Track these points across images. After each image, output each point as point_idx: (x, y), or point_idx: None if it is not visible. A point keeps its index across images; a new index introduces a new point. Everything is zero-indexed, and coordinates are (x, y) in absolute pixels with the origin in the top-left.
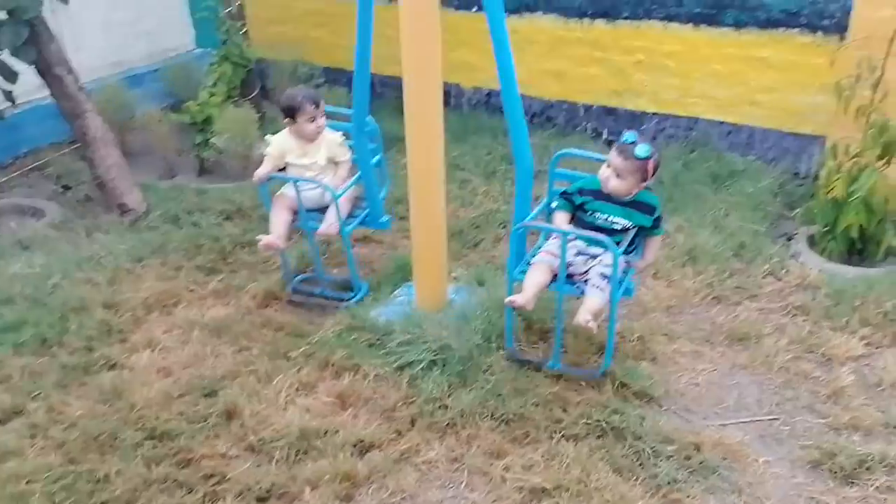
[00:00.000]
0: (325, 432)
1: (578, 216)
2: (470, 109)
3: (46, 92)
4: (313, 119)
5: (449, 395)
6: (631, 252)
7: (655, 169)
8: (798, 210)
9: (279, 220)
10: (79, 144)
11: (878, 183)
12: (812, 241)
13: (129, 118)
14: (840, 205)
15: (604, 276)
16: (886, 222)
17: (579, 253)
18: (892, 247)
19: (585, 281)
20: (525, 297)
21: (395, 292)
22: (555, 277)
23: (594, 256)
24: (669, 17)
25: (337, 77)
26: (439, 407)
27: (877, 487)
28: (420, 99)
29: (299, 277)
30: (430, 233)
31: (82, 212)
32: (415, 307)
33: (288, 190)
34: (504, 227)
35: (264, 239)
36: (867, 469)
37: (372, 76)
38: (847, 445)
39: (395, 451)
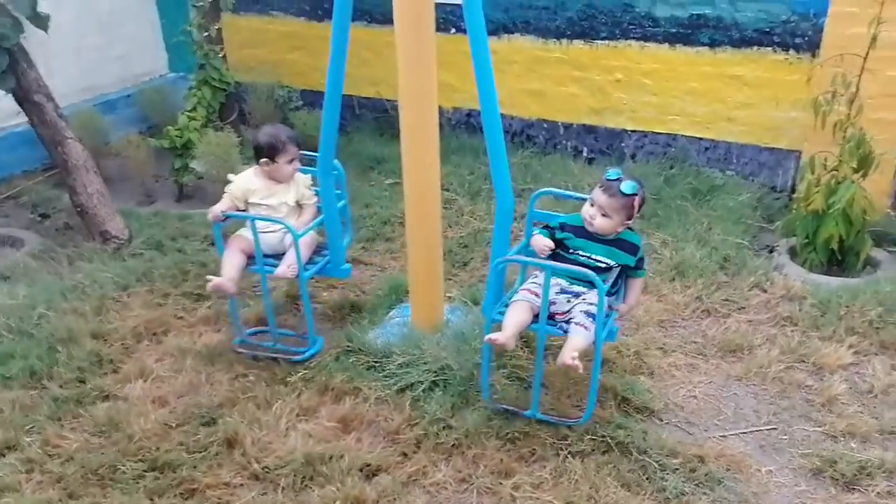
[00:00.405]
0: (330, 457)
1: (560, 254)
2: (451, 130)
3: (18, 119)
4: (292, 160)
5: (452, 416)
6: (613, 295)
7: (641, 205)
8: (778, 223)
9: (232, 262)
10: (54, 172)
11: (856, 195)
12: (793, 253)
13: (104, 144)
14: (820, 217)
15: (588, 315)
16: (864, 233)
17: (562, 291)
18: (870, 257)
19: (567, 321)
20: (506, 335)
21: (391, 313)
22: (535, 317)
23: (577, 295)
24: (646, 37)
25: (315, 99)
26: (444, 427)
27: (878, 493)
28: (416, 122)
29: (250, 331)
30: (427, 254)
31: (62, 240)
32: (412, 328)
33: (245, 232)
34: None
35: (214, 280)
36: (867, 475)
37: (350, 98)
38: (846, 452)
39: (402, 473)
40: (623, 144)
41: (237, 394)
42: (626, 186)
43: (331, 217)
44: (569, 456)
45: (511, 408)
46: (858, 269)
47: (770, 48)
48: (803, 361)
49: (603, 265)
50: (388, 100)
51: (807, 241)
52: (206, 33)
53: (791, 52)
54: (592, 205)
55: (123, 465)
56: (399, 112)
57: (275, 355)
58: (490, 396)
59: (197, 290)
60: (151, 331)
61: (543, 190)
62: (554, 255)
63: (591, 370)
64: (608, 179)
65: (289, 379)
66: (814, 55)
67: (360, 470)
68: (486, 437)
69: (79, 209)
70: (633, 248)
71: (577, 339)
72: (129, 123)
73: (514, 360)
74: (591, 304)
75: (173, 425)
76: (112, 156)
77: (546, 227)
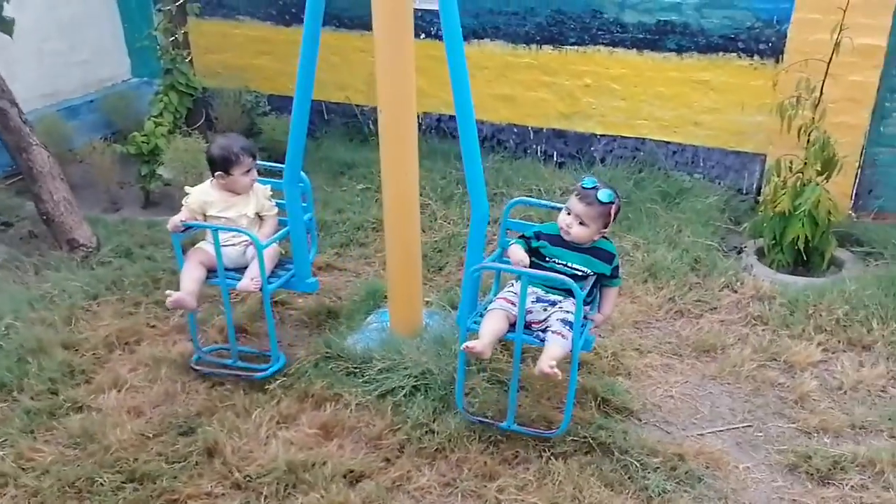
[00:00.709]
0: (313, 464)
1: (536, 262)
2: (421, 135)
3: None
4: (248, 171)
5: (435, 420)
6: (588, 304)
7: (617, 213)
8: (745, 225)
9: (191, 275)
10: (15, 179)
11: (821, 197)
12: (761, 254)
13: (67, 150)
14: (786, 218)
15: (565, 323)
16: (829, 234)
17: (538, 300)
18: (834, 257)
19: (544, 329)
20: (483, 343)
21: (368, 319)
22: (512, 326)
23: (553, 303)
24: (615, 43)
25: (283, 104)
26: (426, 432)
27: (852, 486)
28: (395, 128)
29: (209, 349)
30: (406, 259)
31: (27, 249)
32: (391, 333)
33: (204, 245)
34: (466, 249)
35: (173, 295)
36: (841, 469)
37: (319, 103)
38: (819, 448)
39: (386, 479)
40: (592, 148)
41: (215, 402)
42: (603, 195)
43: (296, 229)
44: (552, 457)
45: (486, 420)
46: (823, 268)
47: (735, 54)
48: (775, 360)
49: (579, 273)
50: (357, 105)
51: (774, 241)
52: (172, 38)
53: (755, 57)
54: (569, 213)
55: (101, 477)
56: (378, 118)
57: (235, 373)
58: (464, 408)
59: None
60: (123, 340)
61: (518, 199)
62: (530, 264)
63: (569, 379)
64: (584, 188)
65: (267, 387)
66: (777, 61)
67: (344, 476)
68: (468, 441)
69: (44, 217)
70: (608, 257)
71: (555, 348)
72: (92, 129)
73: (493, 364)
74: (568, 312)
75: (150, 435)
76: (75, 162)
77: (522, 236)
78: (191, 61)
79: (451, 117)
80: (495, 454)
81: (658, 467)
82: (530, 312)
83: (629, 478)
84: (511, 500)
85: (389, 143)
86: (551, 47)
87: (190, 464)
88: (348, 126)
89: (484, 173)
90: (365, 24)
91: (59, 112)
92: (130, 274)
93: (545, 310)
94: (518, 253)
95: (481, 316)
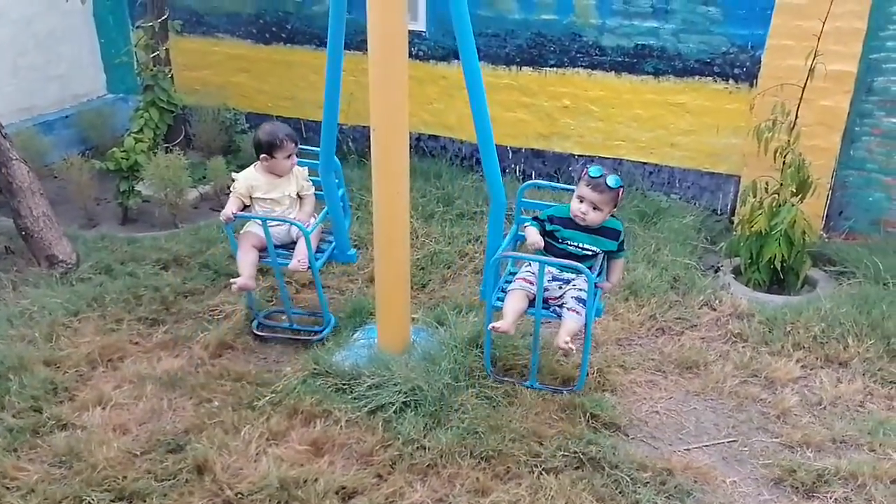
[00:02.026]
0: (305, 481)
1: (550, 244)
2: None
3: None
4: (290, 155)
5: (426, 436)
6: (598, 275)
7: (623, 194)
8: (721, 244)
9: (247, 260)
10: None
11: (796, 217)
12: (737, 273)
13: (42, 166)
14: (763, 238)
15: (579, 300)
16: (804, 253)
17: (553, 279)
18: (808, 276)
19: (560, 305)
20: (507, 322)
21: (355, 335)
22: (531, 303)
23: (568, 281)
24: (593, 66)
25: (261, 122)
26: (418, 448)
27: (836, 499)
28: (387, 148)
29: (263, 313)
30: (395, 276)
31: (4, 265)
32: (379, 350)
33: (253, 227)
34: (449, 267)
35: (238, 282)
36: (825, 482)
37: (297, 121)
38: (803, 462)
39: (379, 495)
40: (570, 169)
41: (203, 419)
42: (612, 180)
43: (334, 207)
44: (543, 472)
45: (511, 379)
46: (798, 287)
47: (711, 78)
48: (756, 376)
49: (590, 253)
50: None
51: (751, 261)
52: (154, 54)
53: (731, 81)
54: (581, 201)
55: (89, 496)
56: (371, 137)
57: (294, 336)
58: (491, 371)
59: (152, 314)
60: (106, 357)
61: (530, 182)
62: (545, 245)
63: (584, 345)
64: (593, 177)
65: (256, 403)
66: (752, 85)
67: (336, 493)
68: (460, 457)
69: (23, 233)
70: (615, 234)
71: (571, 323)
72: (68, 145)
73: (482, 381)
74: (581, 290)
75: (138, 453)
76: (50, 178)
77: (536, 218)
78: (172, 78)
79: (431, 136)
80: (487, 470)
81: (648, 482)
82: (547, 290)
83: (620, 492)
84: None
85: (381, 161)
86: (531, 69)
87: (180, 481)
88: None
89: (462, 192)
90: (345, 44)
91: (35, 127)
92: (111, 290)
93: (560, 287)
94: (534, 235)
95: (503, 292)
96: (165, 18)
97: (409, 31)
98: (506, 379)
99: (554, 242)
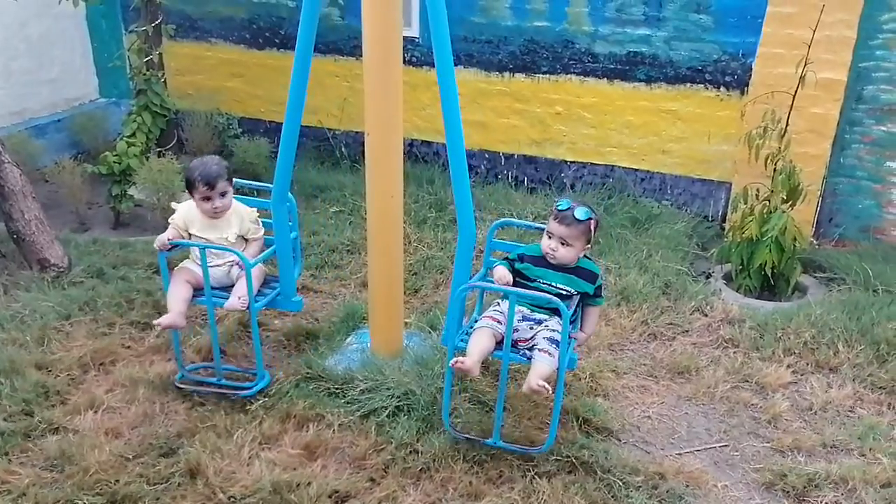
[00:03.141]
0: (298, 485)
1: (521, 283)
2: None
3: None
4: (207, 199)
5: (419, 440)
6: (571, 323)
7: (597, 227)
8: (712, 250)
9: (179, 295)
10: None
11: (787, 223)
12: (728, 279)
13: (34, 169)
14: (754, 244)
15: (552, 341)
16: (794, 260)
17: (524, 318)
18: (799, 282)
19: (530, 348)
20: (471, 360)
21: (348, 340)
22: (499, 345)
23: (539, 322)
24: (586, 73)
25: (254, 127)
26: (411, 452)
27: (826, 503)
28: (381, 153)
29: (192, 367)
30: (389, 281)
31: None
32: (372, 354)
33: (189, 264)
34: (441, 272)
35: (164, 320)
36: (816, 487)
37: None
38: (794, 466)
39: (372, 499)
40: (563, 175)
41: (195, 423)
42: (580, 213)
43: (283, 249)
44: (536, 477)
45: (472, 437)
46: (789, 293)
47: (702, 85)
48: (747, 381)
49: (564, 293)
50: (329, 129)
51: (741, 267)
52: (147, 58)
53: (722, 89)
54: (550, 237)
55: (81, 500)
56: (365, 142)
57: (220, 391)
58: (451, 426)
59: (144, 318)
60: (98, 361)
61: (501, 220)
62: (515, 285)
63: (554, 396)
64: (560, 210)
65: (248, 407)
66: (743, 93)
67: (329, 497)
68: (453, 461)
69: (15, 236)
70: (592, 276)
71: (542, 366)
72: (59, 149)
73: (476, 385)
74: (554, 330)
75: (130, 457)
76: (42, 181)
77: (506, 258)
78: (165, 82)
79: (424, 142)
80: (480, 474)
81: (640, 486)
82: (517, 331)
83: (613, 496)
84: None
85: (375, 166)
86: (524, 75)
87: (172, 485)
88: (320, 150)
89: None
90: (339, 50)
91: (27, 131)
92: (104, 294)
93: (531, 328)
94: (503, 274)
95: (467, 335)
96: (159, 23)
97: (403, 37)
98: (465, 436)
99: (525, 282)
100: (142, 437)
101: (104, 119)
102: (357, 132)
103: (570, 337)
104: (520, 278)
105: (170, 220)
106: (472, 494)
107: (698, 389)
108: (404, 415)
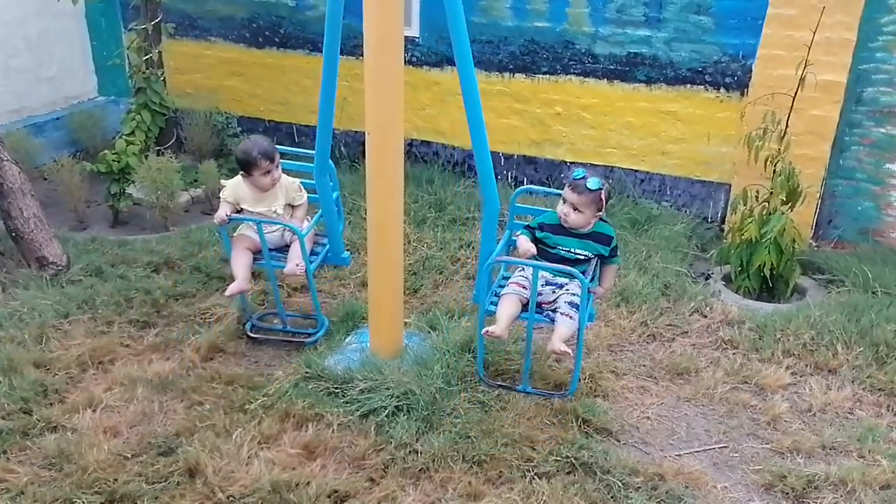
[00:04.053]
0: (297, 484)
1: (543, 250)
2: None
3: None
4: (268, 173)
5: (418, 440)
6: (591, 281)
7: (608, 198)
8: (712, 252)
9: (241, 262)
10: None
11: (786, 225)
12: (727, 280)
13: (32, 167)
14: (753, 246)
15: (572, 305)
16: (793, 261)
17: (546, 283)
18: (798, 284)
19: (553, 310)
20: (500, 327)
21: (347, 339)
22: (524, 307)
23: (561, 286)
24: (586, 73)
25: (253, 126)
26: (410, 452)
27: None
28: (382, 152)
29: (257, 315)
30: (389, 281)
31: None
32: (371, 354)
33: (246, 230)
34: (441, 272)
35: (233, 287)
36: (815, 488)
37: (290, 125)
38: (793, 468)
39: (371, 499)
40: (562, 175)
41: (194, 422)
42: (592, 183)
43: (328, 210)
44: (535, 477)
45: (503, 384)
46: (788, 295)
47: (702, 86)
48: (746, 382)
49: (582, 257)
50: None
51: (741, 268)
52: (146, 57)
53: (722, 90)
54: (564, 202)
55: (79, 498)
56: (366, 141)
57: (288, 339)
58: (484, 376)
59: (143, 317)
60: (97, 359)
61: (523, 188)
62: (537, 251)
63: (576, 350)
64: (575, 179)
65: (247, 406)
66: (742, 94)
67: (329, 496)
68: (452, 461)
69: (13, 234)
70: (607, 239)
71: (563, 328)
72: (58, 147)
73: (474, 385)
74: (574, 294)
75: (129, 456)
76: (41, 179)
77: (527, 226)
78: (164, 81)
79: (423, 142)
80: (479, 474)
81: (640, 487)
82: (540, 294)
83: (612, 497)
84: None
85: (375, 165)
86: (524, 76)
87: (171, 484)
88: None
89: (455, 198)
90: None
91: (26, 129)
92: (102, 293)
93: (553, 292)
94: (525, 244)
95: (497, 295)
96: (158, 21)
97: (403, 37)
98: (498, 384)
99: (546, 248)
100: (140, 435)
101: (103, 117)
102: (357, 132)
103: (590, 292)
104: (541, 244)
105: (220, 196)
106: (472, 495)
107: (697, 390)
108: (404, 415)
